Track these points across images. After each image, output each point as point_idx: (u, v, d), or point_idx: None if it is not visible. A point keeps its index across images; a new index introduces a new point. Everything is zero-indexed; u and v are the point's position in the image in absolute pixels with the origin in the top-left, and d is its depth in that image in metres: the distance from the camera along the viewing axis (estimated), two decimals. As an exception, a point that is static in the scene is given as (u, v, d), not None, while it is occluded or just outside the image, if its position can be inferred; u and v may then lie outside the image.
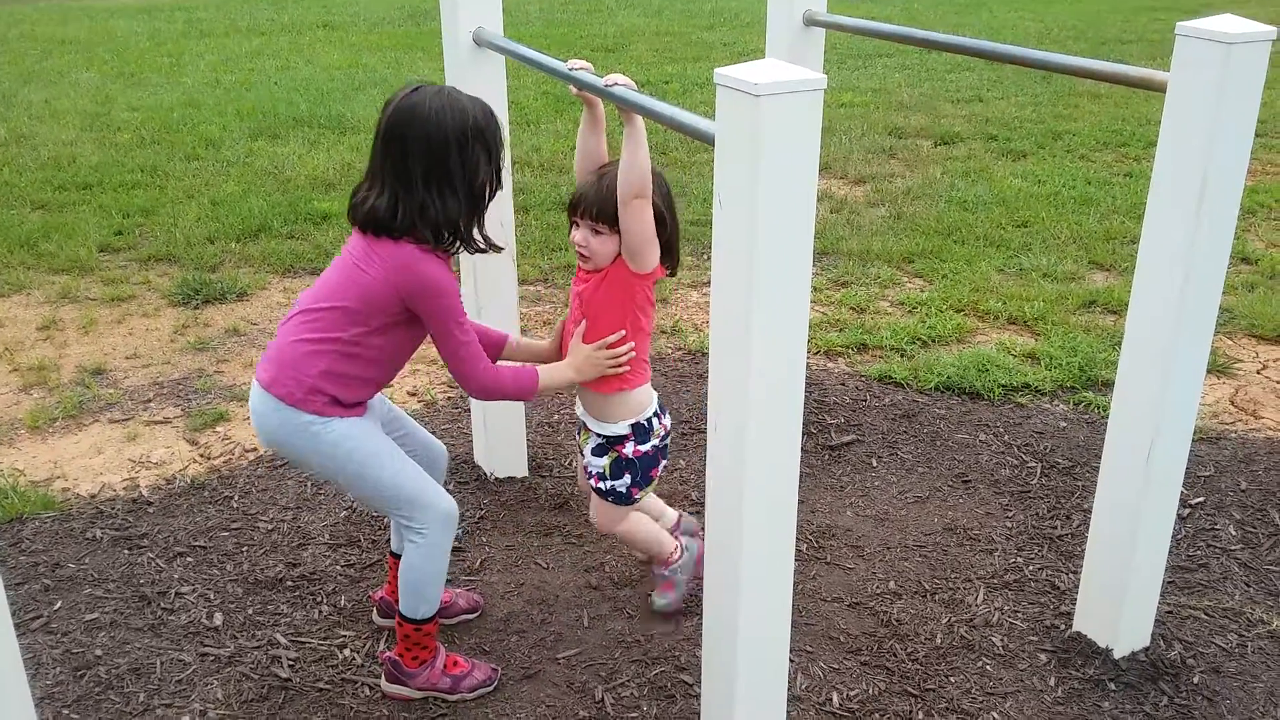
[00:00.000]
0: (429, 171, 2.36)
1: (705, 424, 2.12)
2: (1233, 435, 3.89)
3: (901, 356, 4.49)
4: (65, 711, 2.62)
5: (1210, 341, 2.51)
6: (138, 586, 3.07)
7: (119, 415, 4.04)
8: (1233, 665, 2.78)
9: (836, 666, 2.77)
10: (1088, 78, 2.63)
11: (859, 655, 2.81)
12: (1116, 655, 2.78)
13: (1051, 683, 2.72)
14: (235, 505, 3.46)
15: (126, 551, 3.23)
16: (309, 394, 2.41)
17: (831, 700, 2.65)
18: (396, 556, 2.75)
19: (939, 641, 2.86)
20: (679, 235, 2.69)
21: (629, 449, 2.74)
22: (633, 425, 2.73)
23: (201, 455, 3.77)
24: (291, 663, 2.78)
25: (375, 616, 2.92)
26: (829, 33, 3.64)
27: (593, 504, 2.85)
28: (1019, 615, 2.96)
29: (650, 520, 2.93)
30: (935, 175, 6.93)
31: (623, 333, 2.63)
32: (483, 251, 2.51)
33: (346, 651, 2.82)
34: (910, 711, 2.62)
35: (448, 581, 2.93)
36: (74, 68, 10.09)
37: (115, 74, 9.85)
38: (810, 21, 3.53)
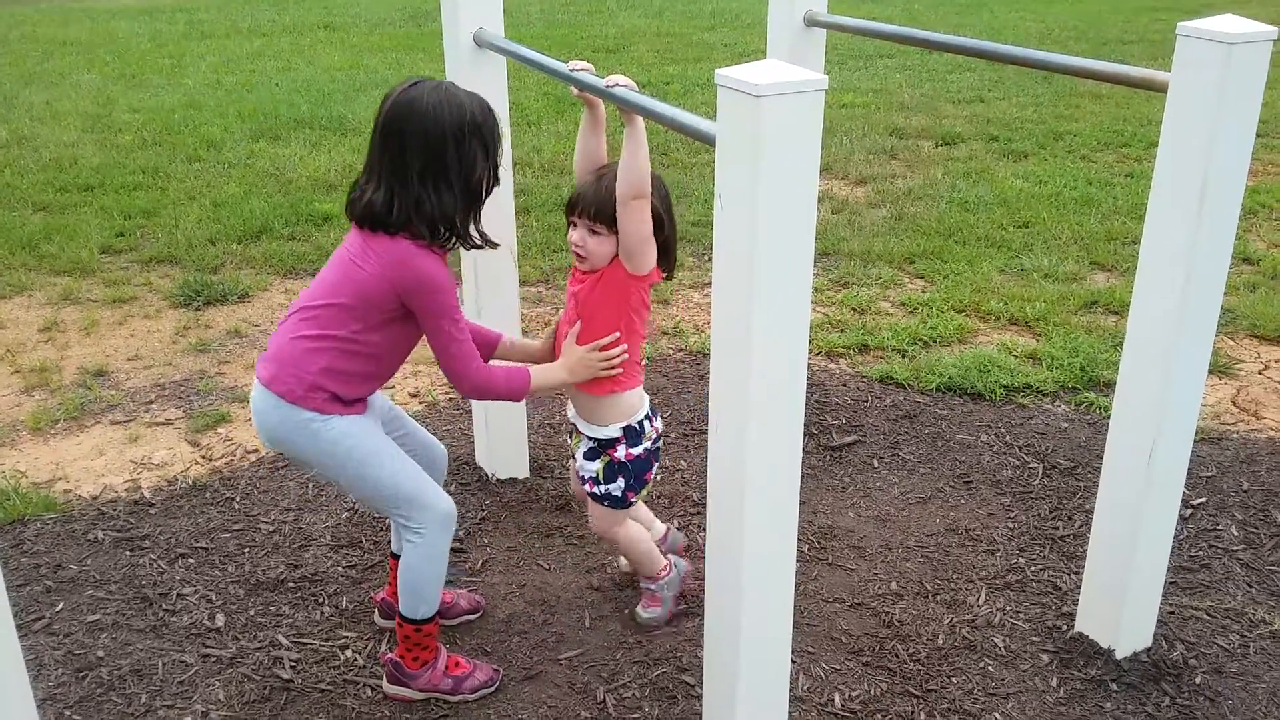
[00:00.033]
0: (426, 166, 2.35)
1: (706, 425, 2.11)
2: (1234, 436, 3.89)
3: (903, 357, 4.49)
4: (67, 713, 2.62)
5: (1212, 342, 2.50)
6: (139, 588, 3.07)
7: (121, 417, 4.04)
8: (1235, 666, 2.78)
9: (838, 667, 2.77)
10: (1089, 78, 2.63)
11: (861, 656, 2.80)
12: (1118, 656, 2.78)
13: (1053, 683, 2.72)
14: (237, 507, 3.47)
15: (128, 553, 3.23)
16: (309, 391, 2.41)
17: (833, 701, 2.65)
18: (397, 558, 2.75)
19: (941, 642, 2.86)
20: (676, 238, 2.69)
21: (621, 452, 2.73)
22: (624, 428, 2.72)
23: (203, 457, 3.77)
24: (293, 664, 2.78)
25: (377, 618, 2.92)
26: (830, 33, 3.64)
27: (590, 509, 2.85)
28: (1021, 616, 2.96)
29: (648, 535, 2.92)
30: (936, 176, 6.93)
31: (616, 335, 2.63)
32: (479, 247, 2.51)
33: (348, 653, 2.82)
34: (912, 712, 2.62)
35: (449, 583, 2.93)
36: (75, 69, 10.10)
37: (116, 75, 9.86)
38: (811, 22, 3.52)
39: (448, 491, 2.62)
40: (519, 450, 3.61)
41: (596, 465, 2.75)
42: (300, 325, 2.44)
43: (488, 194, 2.48)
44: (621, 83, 2.34)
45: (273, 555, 3.21)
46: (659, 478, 3.60)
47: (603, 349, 2.63)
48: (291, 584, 3.08)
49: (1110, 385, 4.13)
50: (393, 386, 4.23)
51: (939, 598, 3.03)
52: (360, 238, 2.41)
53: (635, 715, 2.61)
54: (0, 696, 1.91)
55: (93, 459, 3.76)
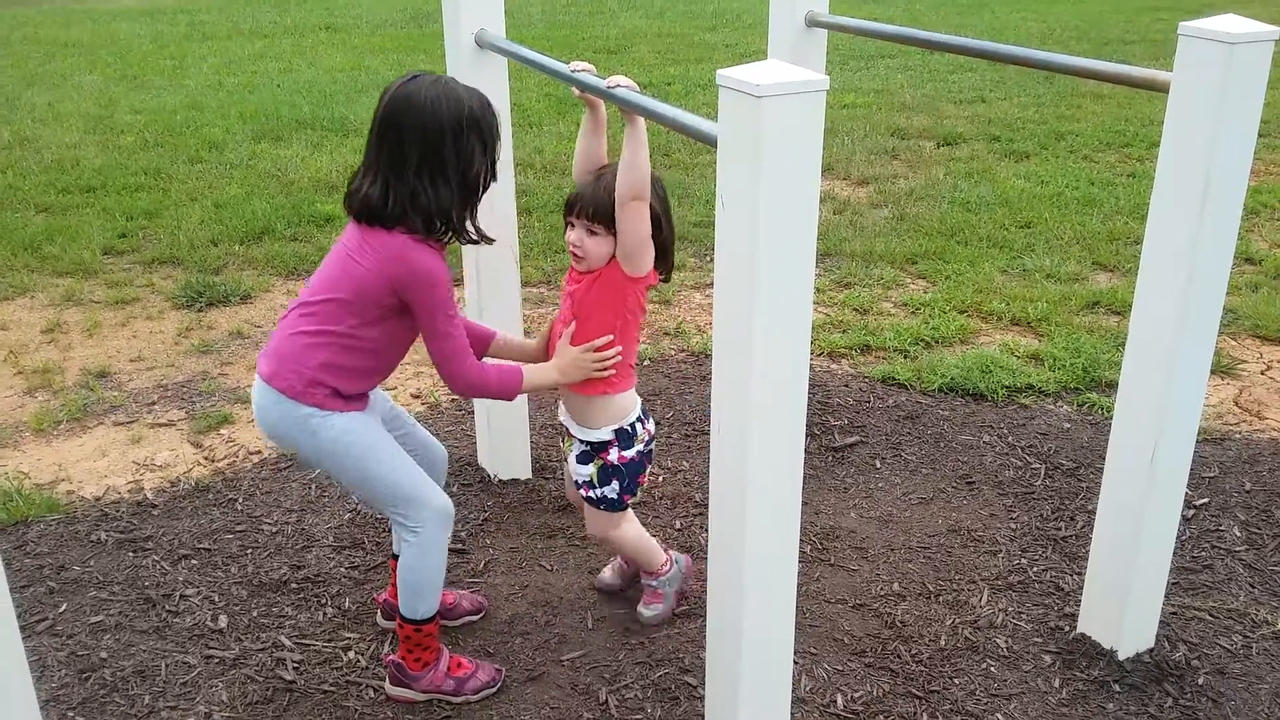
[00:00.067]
0: (423, 159, 2.35)
1: (708, 425, 2.11)
2: (1237, 436, 3.89)
3: (905, 358, 4.49)
4: (70, 714, 2.62)
5: (1214, 342, 2.50)
6: (142, 589, 3.07)
7: (123, 418, 4.05)
8: (1237, 666, 2.78)
9: (841, 668, 2.76)
10: (1090, 78, 2.63)
11: (863, 657, 2.80)
12: (1121, 657, 2.78)
13: (1056, 684, 2.71)
14: (239, 508, 3.47)
15: (131, 554, 3.23)
16: (309, 386, 2.41)
17: (836, 702, 2.65)
18: (398, 559, 2.75)
19: (943, 643, 2.86)
20: (674, 241, 2.68)
21: (613, 455, 2.73)
22: (616, 430, 2.72)
23: (206, 458, 3.77)
24: (296, 665, 2.78)
25: (379, 619, 2.92)
26: (831, 34, 3.64)
27: (586, 513, 2.84)
28: (1023, 617, 2.96)
29: (643, 529, 2.92)
30: (938, 176, 6.93)
31: (610, 336, 2.62)
32: (475, 242, 2.51)
33: (351, 654, 2.82)
34: (914, 713, 2.62)
35: (452, 583, 2.93)
36: (77, 70, 10.11)
37: (118, 77, 9.87)
38: (812, 23, 3.53)
39: (449, 492, 2.62)
40: (521, 451, 3.61)
41: (590, 469, 2.75)
42: (299, 321, 2.44)
43: (485, 189, 2.48)
44: (623, 83, 2.34)
45: (275, 556, 3.22)
46: (660, 479, 3.61)
47: (596, 350, 2.62)
48: (294, 585, 3.09)
49: (1112, 386, 4.13)
50: (395, 387, 4.24)
51: (941, 599, 3.03)
52: (358, 232, 2.41)
53: (638, 716, 2.61)
54: (4, 698, 1.92)
55: (95, 460, 3.76)
